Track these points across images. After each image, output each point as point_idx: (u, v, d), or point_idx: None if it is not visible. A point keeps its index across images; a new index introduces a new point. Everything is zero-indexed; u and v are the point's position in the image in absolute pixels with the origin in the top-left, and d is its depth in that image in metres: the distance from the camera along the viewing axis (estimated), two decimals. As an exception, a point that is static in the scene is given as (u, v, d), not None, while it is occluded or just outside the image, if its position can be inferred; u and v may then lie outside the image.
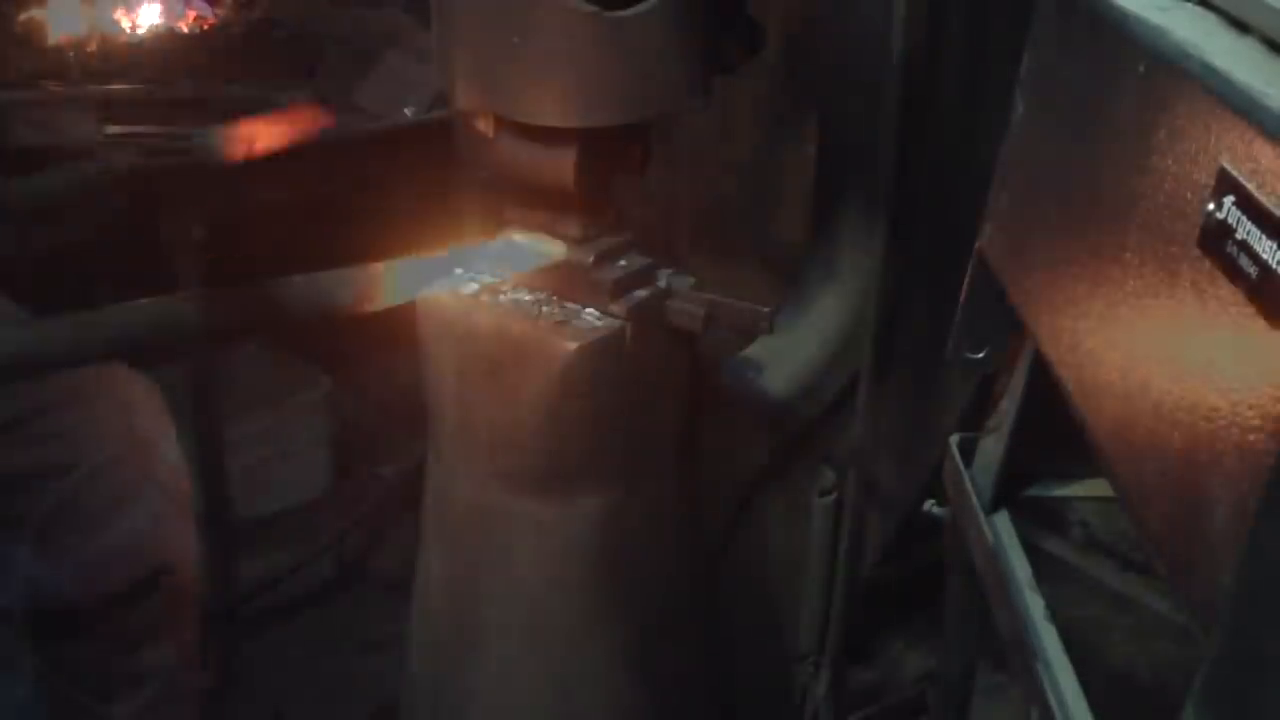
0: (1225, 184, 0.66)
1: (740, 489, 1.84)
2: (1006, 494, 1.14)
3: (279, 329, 1.71)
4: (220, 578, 2.28)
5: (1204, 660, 0.63)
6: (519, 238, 1.46)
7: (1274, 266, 0.60)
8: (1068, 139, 0.92)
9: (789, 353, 1.79)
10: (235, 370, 2.35)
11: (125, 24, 2.28)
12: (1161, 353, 0.72)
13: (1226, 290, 0.64)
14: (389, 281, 1.31)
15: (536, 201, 1.49)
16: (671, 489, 1.66)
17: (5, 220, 2.01)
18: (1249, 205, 0.63)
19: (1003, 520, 1.12)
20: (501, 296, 1.47)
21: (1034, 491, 1.16)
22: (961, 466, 1.21)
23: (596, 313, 1.49)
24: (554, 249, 1.47)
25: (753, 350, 1.81)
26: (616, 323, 1.48)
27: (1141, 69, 0.79)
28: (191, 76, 2.21)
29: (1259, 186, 0.62)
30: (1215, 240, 0.66)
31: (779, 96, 1.87)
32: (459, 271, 1.51)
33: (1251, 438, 0.61)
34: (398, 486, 2.42)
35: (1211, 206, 0.67)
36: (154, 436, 1.30)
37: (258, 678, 2.27)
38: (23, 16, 2.14)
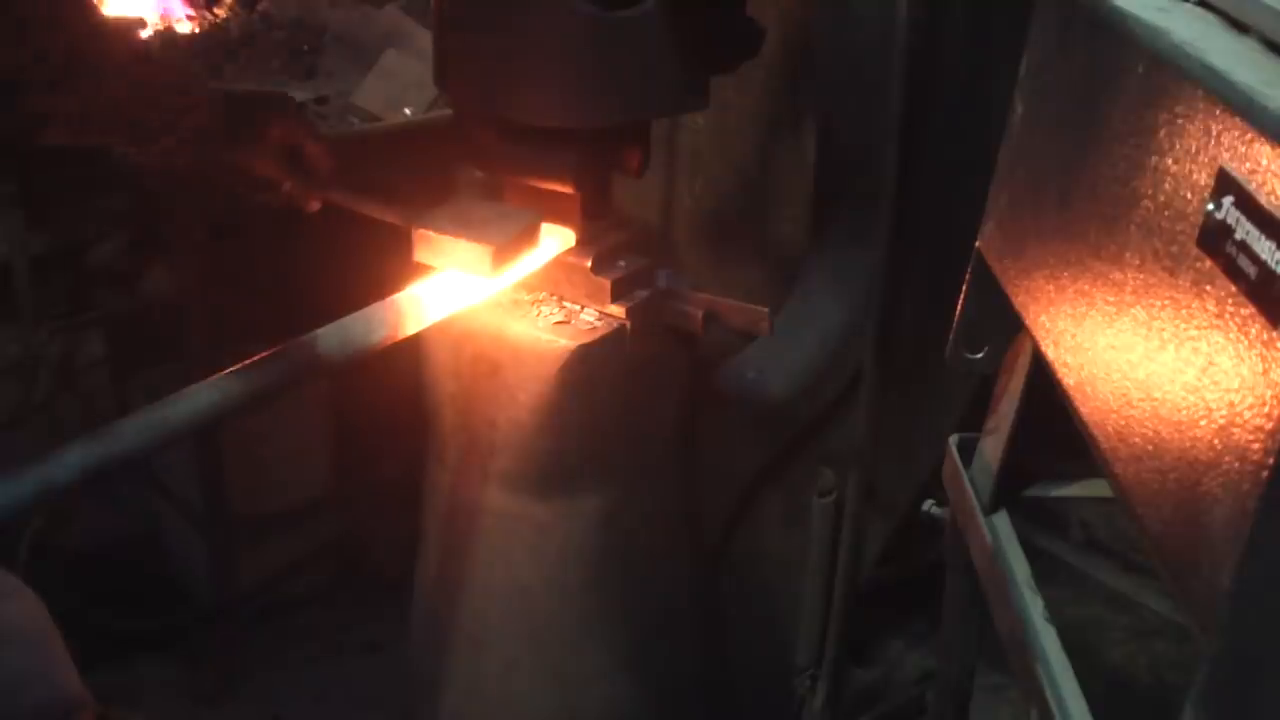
0: (1225, 184, 0.66)
1: (740, 489, 1.84)
2: (1006, 494, 1.14)
3: (320, 380, 1.66)
4: (220, 578, 2.28)
5: (1204, 660, 0.63)
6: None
7: (1273, 267, 0.60)
8: (1067, 139, 0.92)
9: (789, 353, 1.79)
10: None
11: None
12: (1161, 353, 0.72)
13: (1226, 290, 0.64)
14: (416, 309, 1.33)
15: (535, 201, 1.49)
16: (671, 489, 1.66)
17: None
18: (1248, 205, 0.63)
19: (1002, 520, 1.12)
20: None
21: (1034, 491, 1.16)
22: (961, 467, 1.21)
23: (596, 313, 1.49)
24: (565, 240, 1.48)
25: (753, 350, 1.81)
26: (616, 323, 1.48)
27: (1141, 69, 0.79)
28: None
29: (1258, 187, 0.62)
30: (1214, 240, 0.66)
31: (779, 96, 1.87)
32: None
33: (1250, 438, 0.61)
34: (398, 486, 2.42)
35: (1211, 207, 0.67)
36: None
37: (258, 678, 2.27)
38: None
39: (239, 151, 1.30)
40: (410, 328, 1.32)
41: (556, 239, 1.48)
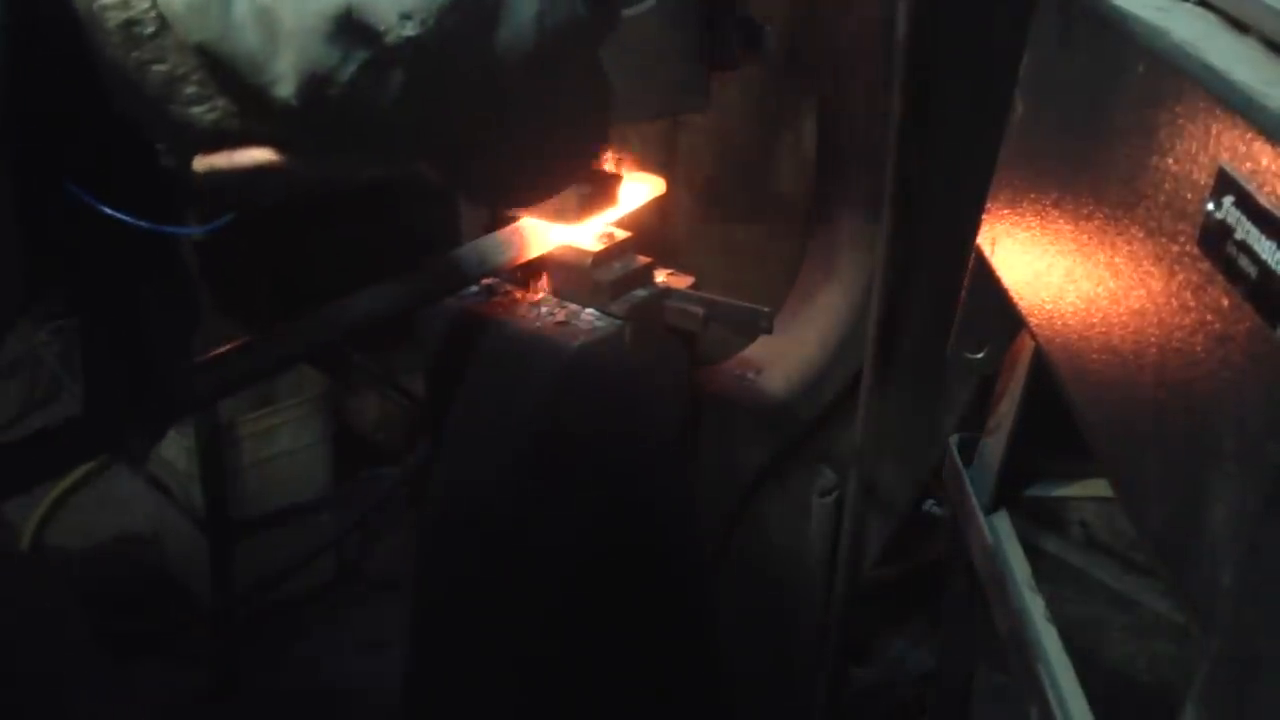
0: (1225, 184, 0.66)
1: (740, 489, 1.84)
2: (1006, 494, 1.14)
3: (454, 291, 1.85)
4: (220, 578, 2.28)
5: (1204, 660, 0.63)
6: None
7: (1273, 267, 0.60)
8: (1067, 139, 0.92)
9: (789, 353, 1.79)
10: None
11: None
12: (1161, 352, 0.72)
13: (1226, 290, 0.64)
14: (538, 234, 1.48)
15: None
16: (671, 489, 1.66)
17: None
18: (1249, 205, 0.63)
19: (1002, 520, 1.13)
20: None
21: (1034, 491, 1.16)
22: (961, 466, 1.21)
23: (596, 313, 1.49)
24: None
25: (753, 349, 1.80)
26: (616, 323, 1.48)
27: (1141, 69, 0.79)
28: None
29: (1259, 187, 0.62)
30: (1215, 240, 0.66)
31: (779, 95, 1.87)
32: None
33: (1251, 438, 0.61)
34: (398, 486, 2.42)
35: (1211, 206, 0.67)
36: None
37: (258, 678, 2.27)
38: None
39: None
40: (534, 251, 1.48)
41: (647, 186, 1.59)
